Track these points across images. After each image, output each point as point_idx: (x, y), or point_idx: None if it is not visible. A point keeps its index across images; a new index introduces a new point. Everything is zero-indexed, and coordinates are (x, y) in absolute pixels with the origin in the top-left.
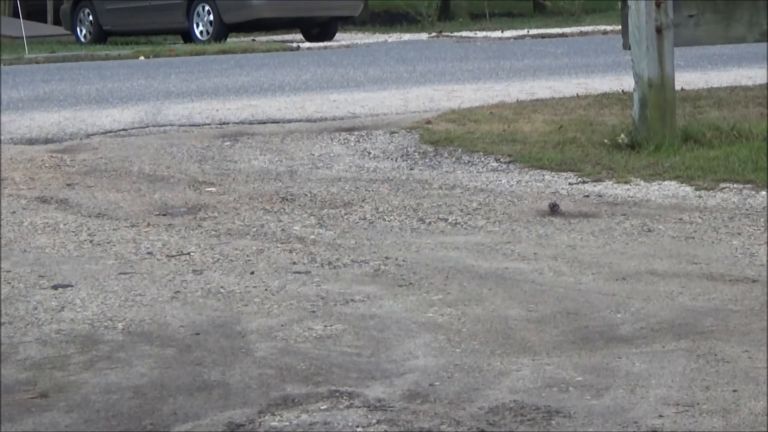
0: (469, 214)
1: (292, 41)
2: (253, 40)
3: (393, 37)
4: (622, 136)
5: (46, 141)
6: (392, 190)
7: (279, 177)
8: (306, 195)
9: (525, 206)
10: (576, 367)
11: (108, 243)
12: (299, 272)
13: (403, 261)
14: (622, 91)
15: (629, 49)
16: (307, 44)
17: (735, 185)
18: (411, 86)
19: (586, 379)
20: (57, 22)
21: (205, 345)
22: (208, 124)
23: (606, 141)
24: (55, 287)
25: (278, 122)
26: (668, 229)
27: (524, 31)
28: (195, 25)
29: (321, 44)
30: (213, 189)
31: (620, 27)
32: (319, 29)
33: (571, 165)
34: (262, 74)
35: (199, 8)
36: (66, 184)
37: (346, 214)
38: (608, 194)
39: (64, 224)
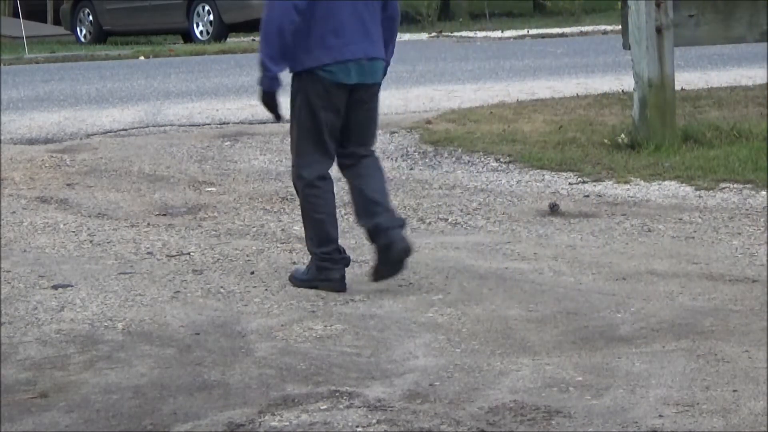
0: (469, 214)
1: None
2: (253, 40)
3: None
4: (622, 136)
5: (46, 141)
6: (392, 190)
7: (279, 177)
8: None
9: (525, 206)
10: (576, 367)
11: (108, 243)
12: None
13: None
14: (622, 91)
15: (629, 49)
16: None
17: (735, 185)
18: (411, 86)
19: (586, 379)
20: (57, 22)
21: (205, 345)
22: (208, 124)
23: (606, 141)
24: (55, 287)
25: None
26: (668, 229)
27: (524, 31)
28: (195, 25)
29: None
30: (213, 189)
31: (620, 27)
32: None
33: (571, 165)
34: None
35: (199, 8)
36: (66, 184)
37: (346, 214)
38: (608, 194)
39: (64, 224)
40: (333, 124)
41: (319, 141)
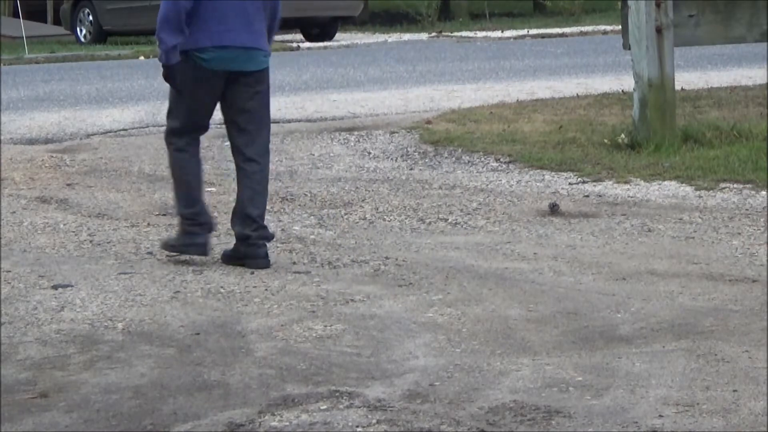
0: (469, 214)
1: (292, 41)
2: None
3: (393, 37)
4: (622, 136)
5: (46, 141)
6: (392, 190)
7: (279, 177)
8: (306, 195)
9: (525, 206)
10: (576, 367)
11: (108, 243)
12: (299, 272)
13: (403, 261)
14: (622, 91)
15: (629, 49)
16: (307, 44)
17: (735, 185)
18: (411, 86)
19: (586, 379)
20: (57, 22)
21: (205, 345)
22: None
23: (606, 141)
24: (55, 287)
25: (278, 122)
26: (668, 229)
27: (524, 31)
28: None
29: (321, 44)
30: (213, 189)
31: (620, 27)
32: (319, 29)
33: (571, 165)
34: None
35: None
36: (66, 184)
37: (346, 214)
38: (608, 194)
39: (64, 224)
40: (208, 105)
41: (194, 116)
